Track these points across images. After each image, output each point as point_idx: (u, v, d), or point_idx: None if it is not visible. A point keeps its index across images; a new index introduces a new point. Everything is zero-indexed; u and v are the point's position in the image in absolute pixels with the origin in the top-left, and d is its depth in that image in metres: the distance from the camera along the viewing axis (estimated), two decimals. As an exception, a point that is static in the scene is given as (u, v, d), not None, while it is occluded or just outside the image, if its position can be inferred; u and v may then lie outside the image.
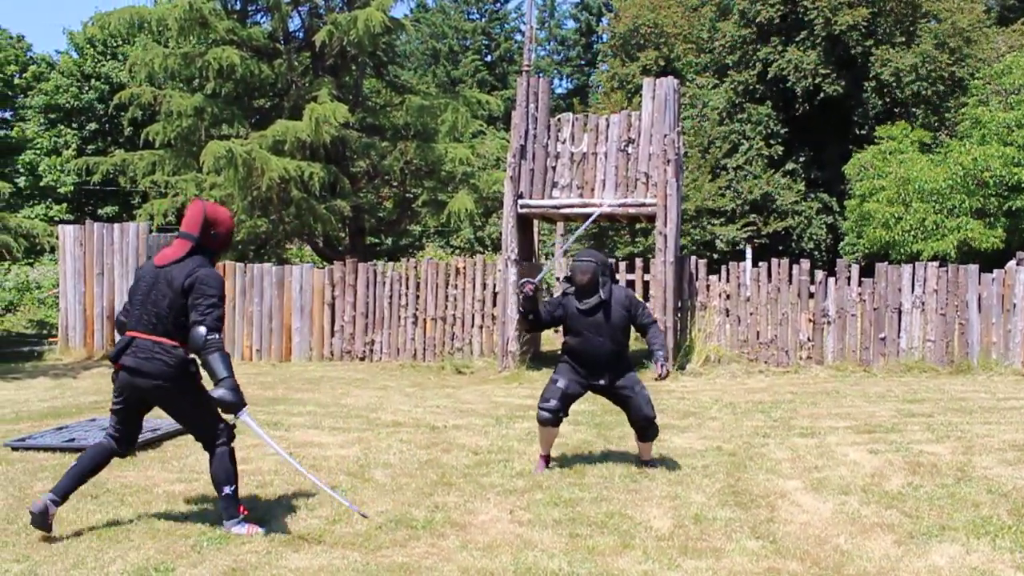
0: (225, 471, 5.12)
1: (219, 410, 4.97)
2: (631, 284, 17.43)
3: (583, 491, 6.00)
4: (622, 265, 17.81)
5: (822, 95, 32.13)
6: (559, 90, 55.74)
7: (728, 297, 12.97)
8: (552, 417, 6.43)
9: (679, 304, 12.88)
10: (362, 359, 13.77)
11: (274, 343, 14.00)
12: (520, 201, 13.07)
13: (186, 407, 4.99)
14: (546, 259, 24.13)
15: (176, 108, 18.85)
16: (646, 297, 15.52)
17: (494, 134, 26.55)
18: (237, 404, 4.80)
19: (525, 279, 6.40)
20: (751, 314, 12.87)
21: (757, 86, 33.44)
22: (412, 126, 20.58)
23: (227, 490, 5.12)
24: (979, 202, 22.69)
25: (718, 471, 6.59)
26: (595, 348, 6.42)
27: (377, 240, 29.02)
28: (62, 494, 5.04)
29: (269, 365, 13.53)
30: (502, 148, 21.30)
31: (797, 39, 32.58)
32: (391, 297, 13.82)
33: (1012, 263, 13.18)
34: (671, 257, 12.44)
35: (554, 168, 13.33)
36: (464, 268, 13.71)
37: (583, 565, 4.63)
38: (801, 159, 33.71)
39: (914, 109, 32.55)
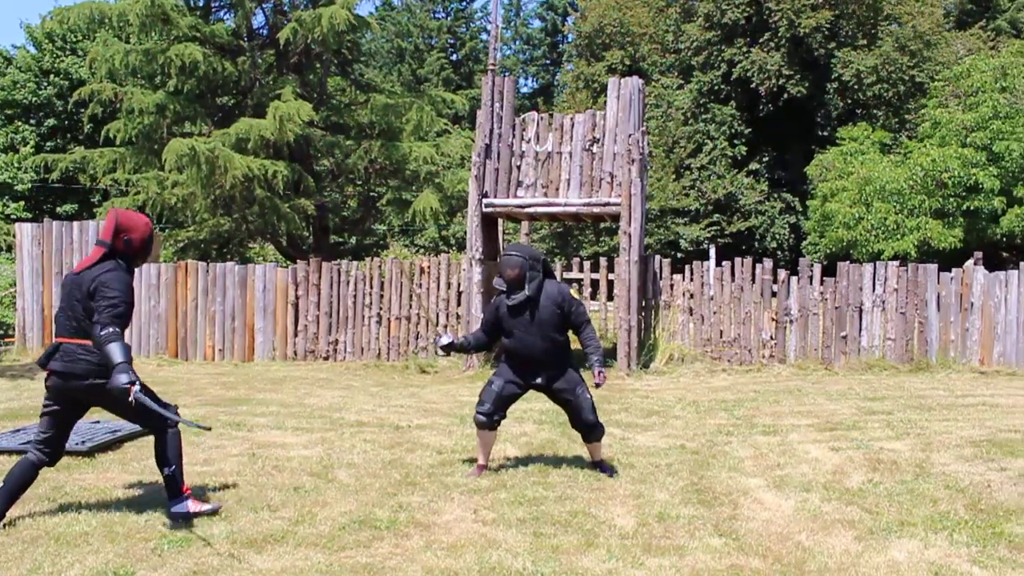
0: (167, 452, 5.30)
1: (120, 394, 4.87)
2: (595, 284, 17.50)
3: (547, 490, 6.00)
4: (587, 264, 17.87)
5: (785, 96, 32.45)
6: (524, 89, 55.82)
7: (692, 296, 13.04)
8: (486, 420, 6.31)
9: (643, 303, 12.94)
10: (326, 359, 13.69)
11: (237, 343, 13.88)
12: (485, 200, 13.06)
13: (123, 401, 4.91)
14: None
15: (137, 105, 18.64)
16: (610, 296, 15.59)
17: (459, 133, 26.51)
18: (124, 388, 4.76)
19: (439, 336, 6.45)
20: (714, 313, 12.96)
21: (722, 86, 33.69)
22: (377, 125, 20.51)
23: (167, 471, 5.30)
24: (938, 202, 23.01)
25: (681, 469, 6.63)
26: (527, 347, 6.25)
27: (341, 239, 28.86)
28: None
29: (232, 365, 13.41)
30: (467, 147, 21.27)
31: (761, 40, 32.87)
32: (355, 296, 13.75)
33: (970, 262, 13.40)
34: (635, 256, 12.49)
35: (519, 167, 13.33)
36: (429, 267, 13.68)
37: (547, 564, 4.63)
38: (764, 159, 34.02)
39: (875, 110, 32.97)
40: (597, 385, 6.13)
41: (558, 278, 6.83)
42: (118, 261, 5.24)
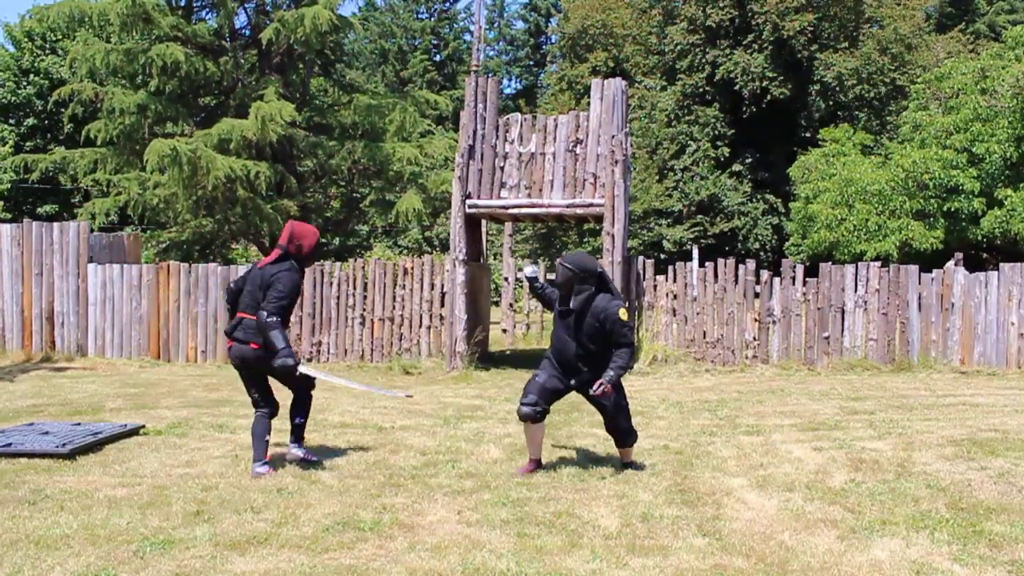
0: (304, 406, 6.80)
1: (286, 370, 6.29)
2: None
3: (531, 491, 6.00)
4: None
5: (768, 98, 32.60)
6: (508, 91, 55.86)
7: (675, 297, 13.08)
8: (530, 411, 6.35)
9: (627, 304, 12.95)
10: (309, 360, 13.64)
11: (220, 344, 13.81)
12: (468, 201, 13.05)
13: (284, 372, 6.28)
14: (495, 259, 24.16)
15: (118, 105, 18.53)
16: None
17: (442, 134, 26.51)
18: (292, 367, 6.21)
19: (526, 265, 6.83)
20: (698, 314, 13.00)
21: (705, 88, 33.81)
22: (360, 125, 20.48)
23: (298, 420, 6.80)
24: (919, 204, 23.15)
25: (665, 470, 6.64)
26: (562, 348, 6.40)
27: (324, 240, 28.79)
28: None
29: (215, 367, 13.35)
30: (450, 148, 21.25)
31: (744, 43, 33.01)
32: (339, 297, 13.71)
33: (951, 263, 13.48)
34: (619, 257, 12.52)
35: (502, 168, 13.33)
36: (412, 268, 13.66)
37: (531, 565, 4.63)
38: (747, 161, 34.17)
39: (857, 112, 33.17)
40: (593, 392, 6.13)
41: (523, 275, 6.81)
42: (292, 263, 6.46)
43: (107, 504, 5.62)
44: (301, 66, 21.11)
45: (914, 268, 12.86)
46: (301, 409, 6.81)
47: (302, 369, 6.41)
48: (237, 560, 4.67)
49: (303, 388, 6.76)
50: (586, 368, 6.35)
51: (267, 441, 6.51)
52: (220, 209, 19.40)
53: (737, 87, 32.79)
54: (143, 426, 7.95)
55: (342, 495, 5.89)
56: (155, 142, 17.08)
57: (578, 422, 8.62)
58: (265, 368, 6.43)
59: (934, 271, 12.89)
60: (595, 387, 6.10)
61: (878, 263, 13.11)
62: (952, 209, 23.09)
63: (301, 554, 4.77)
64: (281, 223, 19.64)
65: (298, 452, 6.76)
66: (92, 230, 14.71)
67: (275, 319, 6.19)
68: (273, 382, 6.63)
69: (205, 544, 4.89)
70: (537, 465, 6.55)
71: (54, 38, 32.95)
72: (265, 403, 6.56)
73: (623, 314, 6.20)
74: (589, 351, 6.31)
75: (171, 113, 19.32)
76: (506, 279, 17.86)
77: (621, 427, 6.44)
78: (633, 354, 6.33)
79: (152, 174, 18.27)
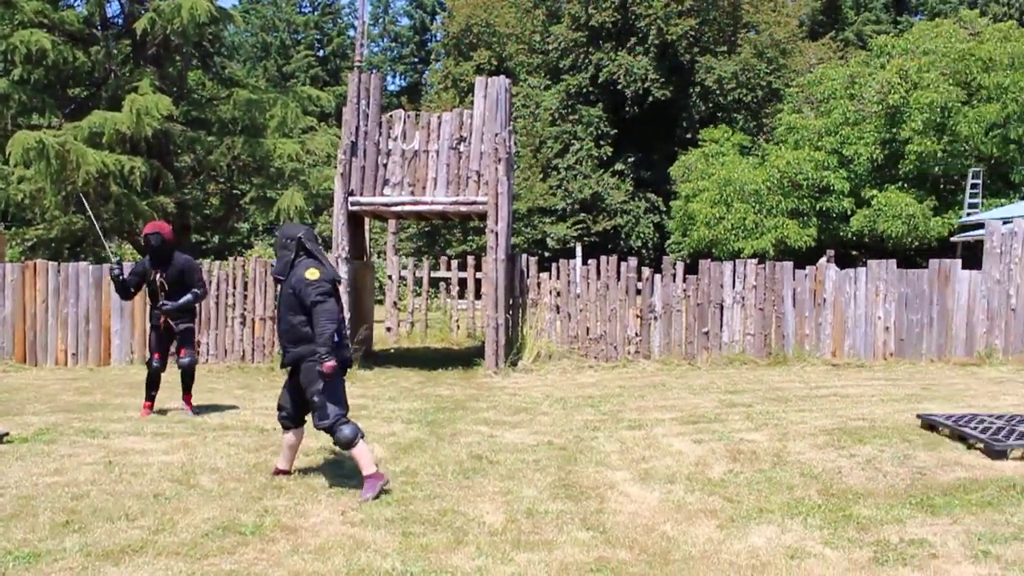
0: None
1: None
2: (463, 282, 17.52)
3: (415, 489, 5.96)
4: (454, 263, 17.88)
5: (650, 99, 33.26)
6: (393, 87, 55.45)
7: (559, 294, 13.20)
8: (280, 417, 6.30)
9: (511, 301, 13.01)
10: (188, 361, 13.22)
11: (92, 346, 13.26)
12: (351, 198, 12.88)
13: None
14: (378, 257, 23.95)
15: (-22, 94, 17.60)
16: (478, 295, 15.62)
17: (325, 130, 26.08)
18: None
19: None
20: (581, 310, 13.15)
21: (589, 88, 34.26)
22: (240, 120, 19.99)
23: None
24: (794, 203, 24.02)
25: (549, 465, 6.69)
26: (277, 322, 6.21)
27: (203, 238, 28.00)
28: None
29: (86, 370, 12.82)
30: (333, 145, 20.95)
31: (628, 44, 33.59)
32: (218, 297, 13.34)
33: (823, 260, 14.03)
34: (503, 255, 12.56)
35: (385, 165, 13.21)
36: (295, 266, 13.38)
37: (416, 563, 4.60)
38: (630, 160, 34.79)
39: (735, 114, 34.18)
40: (323, 371, 5.76)
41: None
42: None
43: (-33, 515, 5.32)
44: (178, 58, 20.46)
45: (789, 265, 13.30)
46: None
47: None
48: (111, 570, 4.50)
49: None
50: (287, 341, 6.06)
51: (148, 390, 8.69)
52: (92, 205, 18.65)
53: (620, 88, 33.35)
54: (7, 433, 7.56)
55: (222, 499, 5.73)
56: (19, 134, 16.30)
57: (462, 419, 8.61)
58: None
59: (807, 268, 13.36)
60: (322, 368, 5.75)
61: (755, 260, 13.52)
62: (824, 208, 24.04)
63: (179, 561, 4.62)
64: (158, 220, 19.04)
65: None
66: (-49, 227, 13.93)
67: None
68: None
69: (75, 555, 4.69)
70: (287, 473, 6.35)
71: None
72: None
73: (313, 273, 5.87)
74: (289, 324, 6.01)
75: (37, 104, 18.45)
76: (390, 277, 17.71)
77: (317, 425, 5.98)
78: (328, 317, 5.76)
79: (16, 168, 17.41)
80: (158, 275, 8.71)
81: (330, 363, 5.70)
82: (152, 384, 8.81)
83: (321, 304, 5.77)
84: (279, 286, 6.25)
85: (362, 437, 5.90)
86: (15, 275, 13.24)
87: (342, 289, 12.57)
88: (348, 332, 6.04)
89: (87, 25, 19.43)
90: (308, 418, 6.17)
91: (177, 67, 20.50)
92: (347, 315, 12.54)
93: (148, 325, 9.08)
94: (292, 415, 6.20)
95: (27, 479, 6.20)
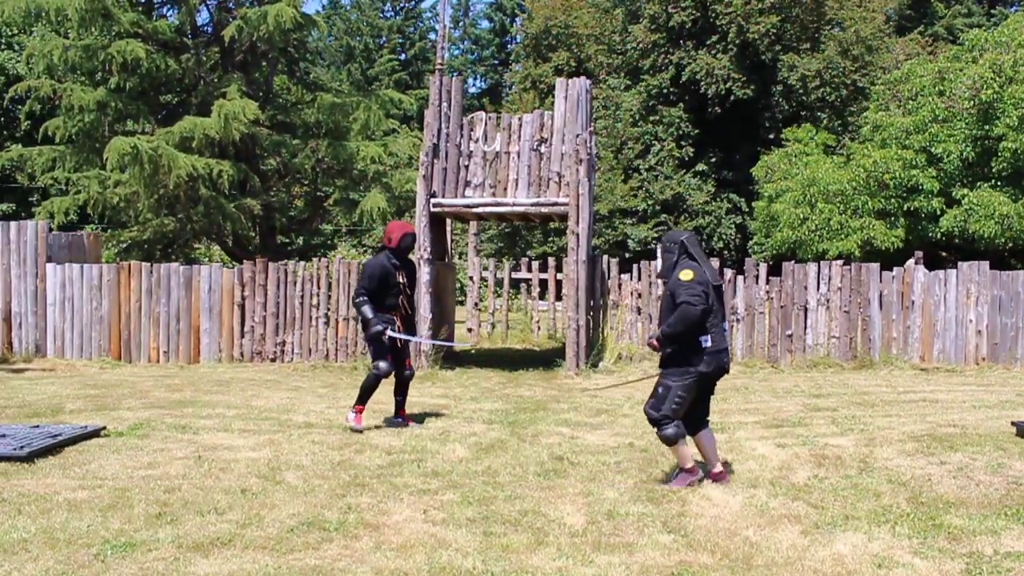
0: (364, 383, 8.11)
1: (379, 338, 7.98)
2: (544, 283, 17.55)
3: (496, 490, 6.00)
4: (535, 264, 17.92)
5: (732, 99, 32.81)
6: (473, 90, 55.77)
7: (640, 296, 13.13)
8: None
9: (591, 303, 12.99)
10: (273, 360, 13.53)
11: (182, 345, 13.66)
12: (433, 200, 13.02)
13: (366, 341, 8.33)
14: (459, 258, 24.13)
15: (77, 102, 18.24)
16: (559, 296, 15.62)
17: (407, 133, 26.36)
18: (377, 333, 7.96)
19: None
20: (662, 312, 13.04)
21: (670, 89, 33.96)
22: (324, 124, 20.33)
23: (398, 398, 8.40)
24: (880, 203, 23.43)
25: (630, 467, 6.67)
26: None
27: (288, 239, 28.60)
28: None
29: (177, 367, 13.20)
30: (415, 147, 21.18)
31: (708, 43, 33.21)
32: (302, 297, 13.61)
33: (911, 262, 13.67)
34: (583, 256, 12.54)
35: (467, 167, 13.31)
36: (377, 267, 13.57)
37: (497, 563, 4.63)
38: (712, 160, 34.38)
39: (819, 113, 33.48)
40: (648, 343, 6.14)
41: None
42: (386, 253, 8.14)
43: (66, 507, 5.54)
44: (264, 64, 20.92)
45: (875, 266, 13.01)
46: (400, 389, 8.43)
47: (390, 333, 8.03)
48: (200, 562, 4.63)
49: (372, 366, 8.17)
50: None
51: (367, 395, 8.10)
52: (182, 208, 19.18)
53: (701, 87, 32.98)
54: (104, 428, 7.84)
55: (307, 495, 5.85)
56: (115, 140, 16.84)
57: (543, 420, 8.63)
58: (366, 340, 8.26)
59: (895, 269, 13.05)
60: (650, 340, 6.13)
61: (840, 261, 13.25)
62: (912, 208, 23.39)
63: (266, 555, 4.73)
64: (244, 222, 19.50)
65: (348, 415, 8.16)
66: (51, 229, 14.49)
67: (359, 298, 7.95)
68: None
69: (168, 546, 4.84)
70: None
71: (10, 33, 32.38)
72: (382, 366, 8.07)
73: (688, 274, 5.95)
74: (665, 321, 6.11)
75: (132, 111, 19.05)
76: (471, 278, 17.83)
77: (647, 410, 6.11)
78: (684, 318, 5.84)
79: (112, 172, 18.01)
80: (400, 276, 8.31)
81: (654, 341, 6.07)
82: (373, 389, 8.19)
83: (687, 305, 5.86)
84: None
85: (682, 437, 6.03)
86: (111, 275, 13.72)
87: (423, 291, 12.74)
88: (727, 344, 6.06)
89: (178, 34, 20.00)
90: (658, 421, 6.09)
91: (263, 73, 20.97)
92: (428, 315, 12.69)
93: (381, 328, 7.98)
94: (688, 419, 6.17)
95: (123, 472, 6.42)
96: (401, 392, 8.49)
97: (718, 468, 6.22)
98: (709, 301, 5.93)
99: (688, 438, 6.15)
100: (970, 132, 22.84)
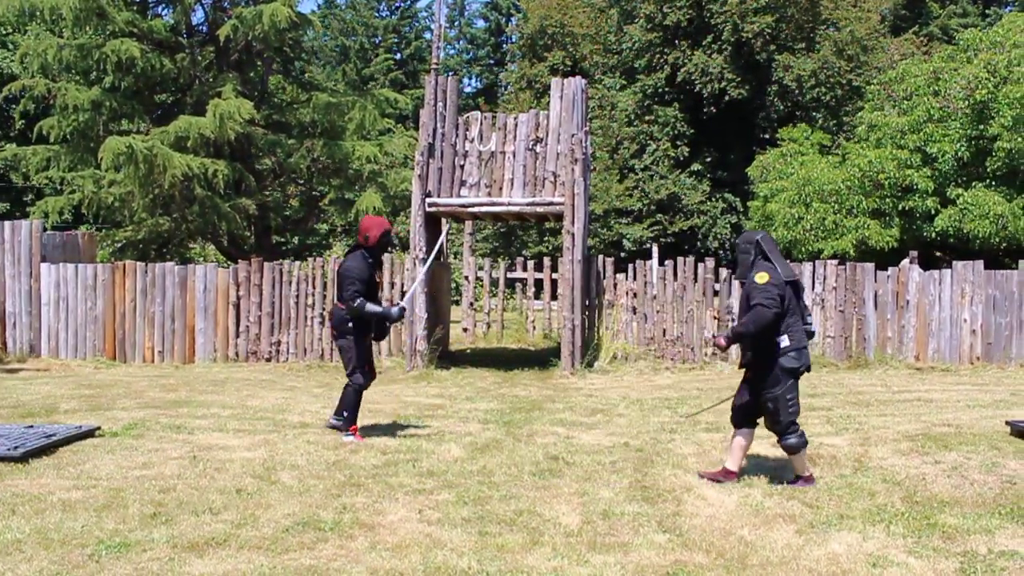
0: (346, 400, 7.64)
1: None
2: (539, 283, 17.55)
3: (492, 490, 6.00)
4: (531, 264, 17.92)
5: (727, 98, 32.84)
6: (469, 89, 55.74)
7: (635, 295, 13.14)
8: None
9: (587, 302, 13.00)
10: (268, 360, 13.52)
11: (177, 344, 13.64)
12: (428, 200, 13.01)
13: (342, 348, 7.67)
14: (455, 258, 24.10)
15: (72, 102, 18.21)
16: (554, 296, 15.62)
17: (403, 132, 26.35)
18: (400, 311, 7.76)
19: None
20: (657, 312, 13.07)
21: (665, 88, 33.98)
22: (319, 124, 20.32)
23: (344, 413, 7.65)
24: (875, 202, 23.46)
25: (626, 467, 6.67)
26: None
27: (283, 239, 28.54)
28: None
29: (172, 367, 13.19)
30: (410, 147, 21.15)
31: (704, 43, 33.24)
32: (298, 297, 13.60)
33: (906, 261, 13.71)
34: (579, 256, 12.55)
35: (462, 167, 13.31)
36: (373, 267, 13.57)
37: (492, 563, 4.63)
38: (707, 160, 34.41)
39: (814, 113, 33.52)
40: (713, 342, 6.04)
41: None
42: (362, 251, 7.55)
43: (61, 507, 5.53)
44: (259, 63, 20.89)
45: (870, 266, 13.03)
46: (346, 401, 7.74)
47: (407, 299, 8.73)
48: (195, 562, 4.62)
49: (351, 377, 7.65)
50: (748, 348, 6.18)
51: (355, 412, 7.66)
52: (177, 208, 19.16)
53: (696, 87, 33.01)
54: (98, 428, 7.83)
55: (302, 495, 5.85)
56: (110, 139, 16.81)
57: (538, 420, 8.63)
58: (338, 344, 7.70)
59: (890, 269, 13.07)
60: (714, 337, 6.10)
61: (835, 261, 13.27)
62: (907, 208, 23.42)
63: (261, 555, 4.73)
64: (239, 222, 19.47)
65: (335, 421, 7.76)
66: (45, 229, 14.46)
67: (358, 302, 7.36)
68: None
69: (163, 546, 4.84)
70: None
71: (4, 32, 32.28)
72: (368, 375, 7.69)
73: (763, 277, 6.00)
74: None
75: (127, 110, 19.02)
76: (466, 278, 17.83)
77: (768, 424, 6.19)
78: (757, 321, 5.92)
79: (107, 172, 17.97)
80: (377, 276, 8.46)
81: (721, 340, 6.17)
82: (359, 404, 7.81)
83: (761, 308, 5.92)
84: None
85: (804, 446, 6.13)
86: (106, 275, 13.69)
87: (418, 290, 12.73)
88: (806, 344, 6.18)
89: (173, 33, 19.97)
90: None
91: (259, 72, 20.94)
92: (424, 315, 12.69)
93: (354, 336, 7.59)
94: (742, 416, 6.29)
95: (117, 472, 6.41)
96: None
97: (732, 468, 6.28)
98: (784, 302, 6.00)
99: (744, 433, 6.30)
100: (965, 132, 22.88)
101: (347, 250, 7.66)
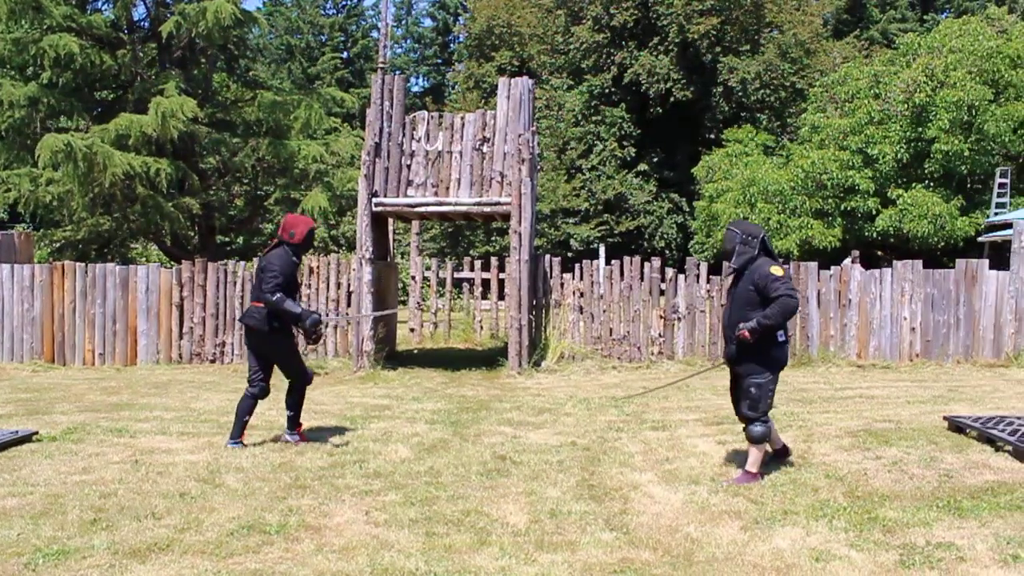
0: (294, 401, 7.45)
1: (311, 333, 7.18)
2: (486, 283, 17.54)
3: (439, 490, 5.98)
4: (478, 264, 17.90)
5: (673, 99, 33.16)
6: (416, 89, 55.61)
7: (582, 295, 13.19)
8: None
9: (534, 302, 13.01)
10: (212, 361, 13.33)
11: (118, 346, 13.39)
12: (375, 199, 12.93)
13: (274, 351, 7.27)
14: (402, 258, 23.98)
15: (7, 98, 17.80)
16: (501, 295, 15.63)
17: (349, 132, 26.18)
18: (316, 319, 7.14)
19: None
20: (604, 311, 13.14)
21: (612, 89, 34.20)
22: (264, 122, 20.12)
23: (290, 413, 7.47)
24: (818, 203, 23.88)
25: (573, 466, 6.69)
26: (723, 317, 6.50)
27: (228, 239, 28.20)
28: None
29: (113, 370, 12.94)
30: (357, 146, 21.04)
31: (650, 44, 33.51)
32: (243, 297, 13.42)
33: (848, 261, 13.93)
34: (526, 255, 12.56)
35: (409, 166, 13.24)
36: (318, 267, 13.47)
37: (440, 564, 4.61)
38: (653, 160, 34.72)
39: (759, 114, 34.01)
40: (736, 333, 6.15)
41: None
42: (285, 248, 7.21)
43: (-4, 513, 5.39)
44: (203, 61, 20.61)
45: (813, 265, 13.23)
46: (293, 401, 7.48)
47: (332, 317, 8.12)
48: (137, 568, 4.54)
49: (298, 383, 7.44)
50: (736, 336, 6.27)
51: (245, 421, 7.30)
52: (118, 207, 18.82)
53: (643, 88, 33.27)
54: (36, 432, 7.65)
55: (247, 498, 5.77)
56: (48, 137, 16.47)
57: (486, 420, 8.62)
58: (265, 349, 7.24)
59: (832, 268, 13.28)
60: (739, 331, 6.13)
61: (779, 260, 13.43)
62: (849, 208, 23.86)
63: (205, 560, 4.66)
64: (183, 222, 19.19)
65: (289, 438, 7.47)
66: (-20, 228, 14.09)
67: (277, 296, 6.98)
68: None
69: (103, 553, 4.74)
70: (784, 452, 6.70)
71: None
72: (256, 383, 7.25)
73: (777, 270, 6.17)
74: (741, 317, 6.23)
75: (65, 107, 18.63)
76: (413, 278, 17.76)
77: (743, 412, 6.33)
78: (785, 311, 6.11)
79: (45, 170, 17.60)
80: (299, 275, 8.63)
81: (745, 333, 6.09)
82: (302, 403, 7.65)
83: (788, 298, 6.12)
84: (731, 280, 6.50)
85: (768, 436, 6.30)
86: (43, 276, 13.39)
87: (364, 291, 12.65)
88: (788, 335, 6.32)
89: (114, 29, 19.62)
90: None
91: (202, 70, 20.66)
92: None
93: (318, 317, 7.27)
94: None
95: (56, 477, 6.27)
96: (296, 405, 7.55)
97: (769, 448, 6.54)
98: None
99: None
100: (904, 134, 23.37)
101: (266, 247, 7.35)
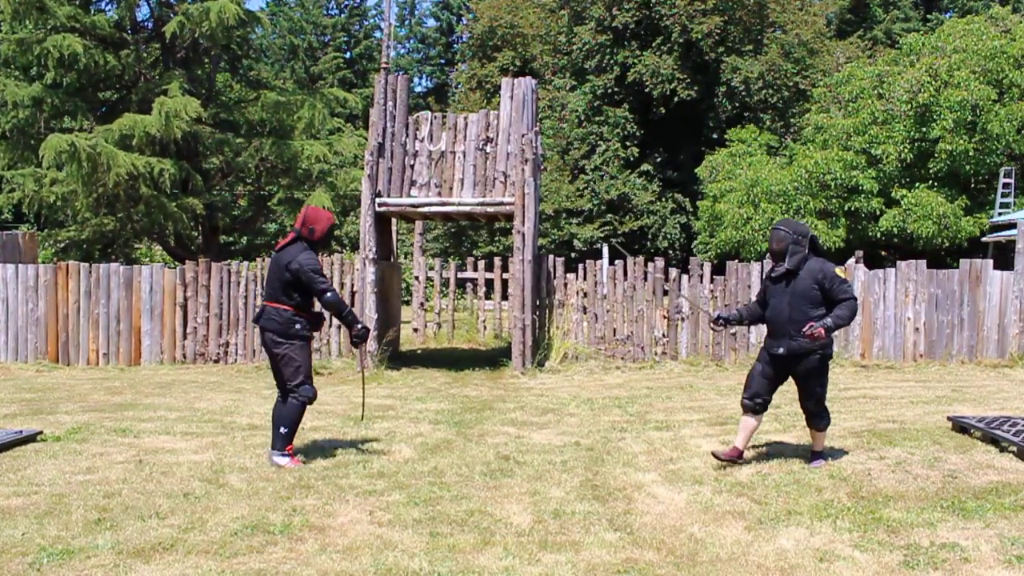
0: (287, 415, 6.64)
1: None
2: (490, 283, 17.54)
3: (443, 490, 5.98)
4: (481, 264, 17.91)
5: (677, 99, 33.12)
6: (419, 89, 55.58)
7: (585, 295, 13.19)
8: (750, 404, 6.58)
9: (537, 302, 13.01)
10: (216, 361, 13.34)
11: (122, 346, 13.40)
12: (378, 200, 12.93)
13: (283, 356, 6.60)
14: (405, 258, 24.01)
15: (11, 98, 17.83)
16: (505, 295, 15.64)
17: (352, 132, 26.24)
18: (362, 330, 6.85)
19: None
20: (608, 311, 13.13)
21: (615, 89, 34.18)
22: (268, 122, 20.13)
23: (282, 429, 6.63)
24: (822, 203, 23.85)
25: (576, 466, 6.68)
26: (776, 315, 6.52)
27: (232, 239, 28.23)
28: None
29: (117, 370, 12.95)
30: (360, 146, 21.06)
31: (654, 44, 33.48)
32: (246, 297, 13.43)
33: (851, 261, 13.91)
34: (529, 256, 12.56)
35: (412, 167, 13.24)
36: (321, 267, 13.45)
37: (444, 564, 4.61)
38: (656, 160, 34.68)
39: (762, 114, 33.97)
40: (803, 333, 6.25)
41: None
42: (304, 244, 6.72)
43: (0, 515, 5.39)
44: (207, 61, 20.64)
45: (816, 265, 13.19)
46: (287, 415, 6.66)
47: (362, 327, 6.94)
48: (141, 568, 4.54)
49: (292, 393, 6.65)
50: (795, 331, 6.39)
51: (295, 428, 6.74)
52: (122, 207, 18.84)
53: (646, 88, 33.25)
54: (40, 432, 7.66)
55: (251, 498, 5.77)
56: (52, 137, 16.48)
57: (489, 420, 8.63)
58: (278, 351, 6.64)
59: (836, 268, 13.25)
60: (805, 328, 6.22)
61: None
62: (853, 208, 23.84)
63: (209, 559, 4.66)
64: (186, 222, 19.20)
65: (279, 460, 6.60)
66: (-16, 228, 14.12)
67: (336, 296, 6.71)
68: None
69: (107, 552, 4.74)
70: (739, 454, 6.63)
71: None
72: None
73: (840, 271, 6.43)
74: (801, 313, 6.36)
75: (69, 107, 18.66)
76: (416, 278, 17.76)
77: (809, 408, 6.62)
78: (853, 314, 6.45)
79: (49, 170, 17.64)
80: None
81: (820, 331, 6.21)
82: (300, 421, 6.89)
83: (854, 301, 6.44)
84: (783, 282, 6.52)
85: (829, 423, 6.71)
86: (48, 276, 13.41)
87: (368, 291, 12.66)
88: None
89: (117, 29, 19.64)
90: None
91: (206, 70, 20.68)
92: (375, 316, 12.61)
93: (302, 341, 6.74)
94: (767, 404, 6.65)
95: (60, 477, 6.28)
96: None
97: (736, 449, 6.61)
98: None
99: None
100: (908, 134, 23.33)
101: (282, 243, 6.79)
